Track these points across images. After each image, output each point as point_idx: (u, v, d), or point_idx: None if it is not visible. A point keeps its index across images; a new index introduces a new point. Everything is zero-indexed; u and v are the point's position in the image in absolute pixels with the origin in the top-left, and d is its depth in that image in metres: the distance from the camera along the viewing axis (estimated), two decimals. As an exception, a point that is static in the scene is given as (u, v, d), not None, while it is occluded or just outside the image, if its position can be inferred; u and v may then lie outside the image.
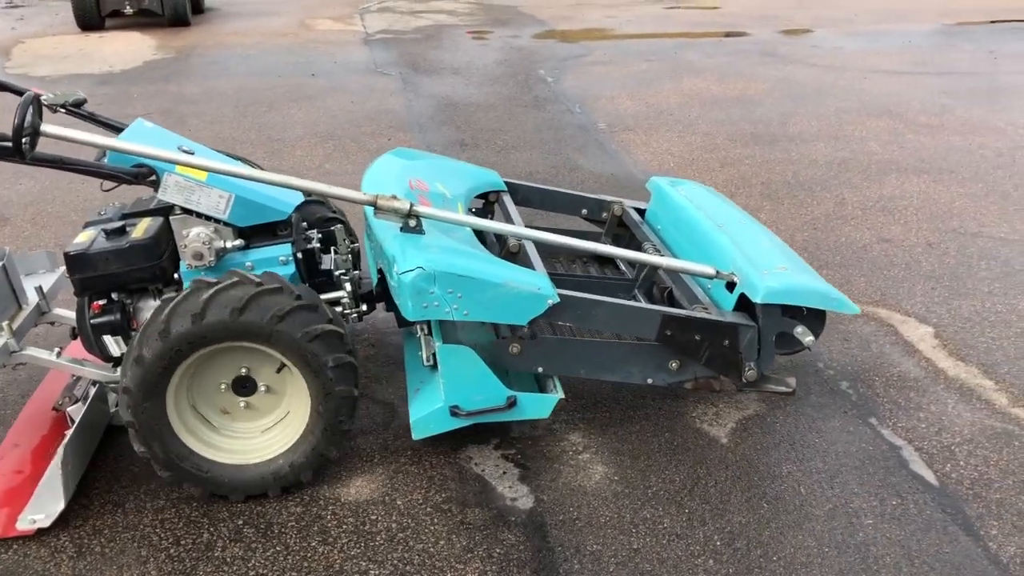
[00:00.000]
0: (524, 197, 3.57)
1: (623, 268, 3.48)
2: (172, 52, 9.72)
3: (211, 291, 2.36)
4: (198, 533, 2.49)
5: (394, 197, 2.53)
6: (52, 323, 3.14)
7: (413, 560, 2.39)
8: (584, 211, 3.65)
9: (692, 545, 2.45)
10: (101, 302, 2.66)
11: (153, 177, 2.54)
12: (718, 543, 2.46)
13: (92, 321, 2.65)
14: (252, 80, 8.00)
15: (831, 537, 2.47)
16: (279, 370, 2.57)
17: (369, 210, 2.76)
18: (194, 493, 2.57)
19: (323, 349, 2.43)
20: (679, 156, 5.92)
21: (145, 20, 11.67)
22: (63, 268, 3.10)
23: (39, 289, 2.99)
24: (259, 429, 2.66)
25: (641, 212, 3.60)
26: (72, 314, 2.94)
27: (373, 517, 2.55)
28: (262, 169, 2.66)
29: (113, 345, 2.67)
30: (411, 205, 2.52)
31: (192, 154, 2.59)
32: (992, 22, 11.24)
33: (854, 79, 8.06)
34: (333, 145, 6.14)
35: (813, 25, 11.16)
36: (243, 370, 2.56)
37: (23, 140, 2.21)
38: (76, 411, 2.76)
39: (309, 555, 2.41)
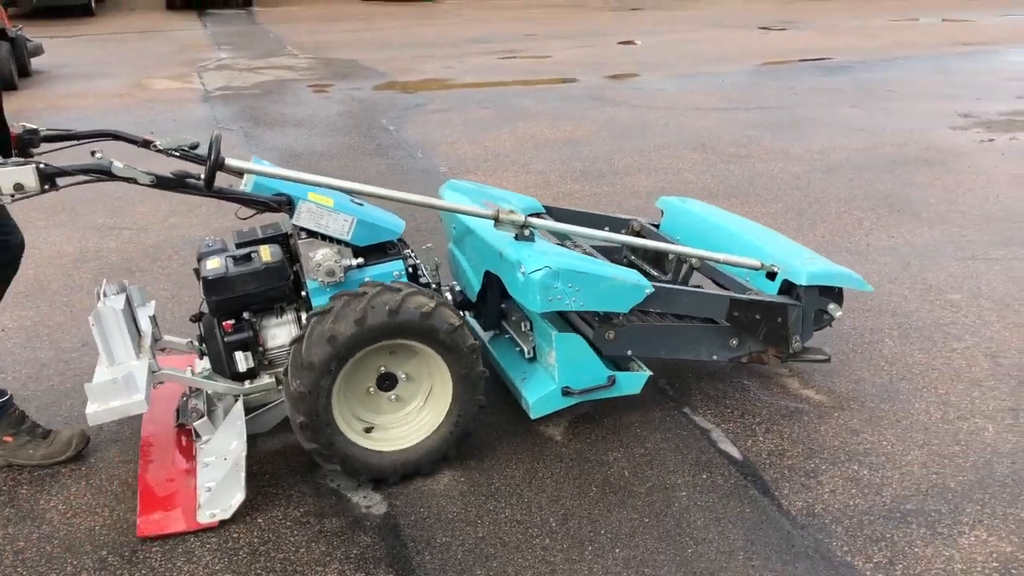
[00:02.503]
0: (557, 217, 3.91)
1: (651, 271, 3.87)
2: (0, 116, 9.44)
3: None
4: (61, 567, 2.58)
5: (512, 211, 2.96)
6: (163, 349, 3.31)
7: (275, 568, 2.56)
8: (607, 228, 3.95)
9: (530, 528, 2.73)
10: (231, 322, 2.95)
11: (289, 204, 2.85)
12: (553, 524, 2.75)
13: (226, 339, 2.95)
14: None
15: (651, 509, 2.81)
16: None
17: (475, 225, 3.28)
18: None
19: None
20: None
21: (-32, 85, 11.27)
22: (153, 302, 3.37)
23: (153, 318, 3.22)
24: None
25: (655, 226, 4.03)
26: (180, 340, 3.33)
27: (235, 535, 2.71)
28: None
29: (242, 361, 2.98)
30: (525, 218, 2.96)
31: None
32: (791, 61, 12.39)
33: (673, 117, 8.77)
34: (178, 200, 6.18)
35: (638, 70, 11.98)
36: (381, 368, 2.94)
37: (214, 174, 2.58)
38: (202, 426, 3.01)
39: (175, 575, 2.54)
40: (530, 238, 3.00)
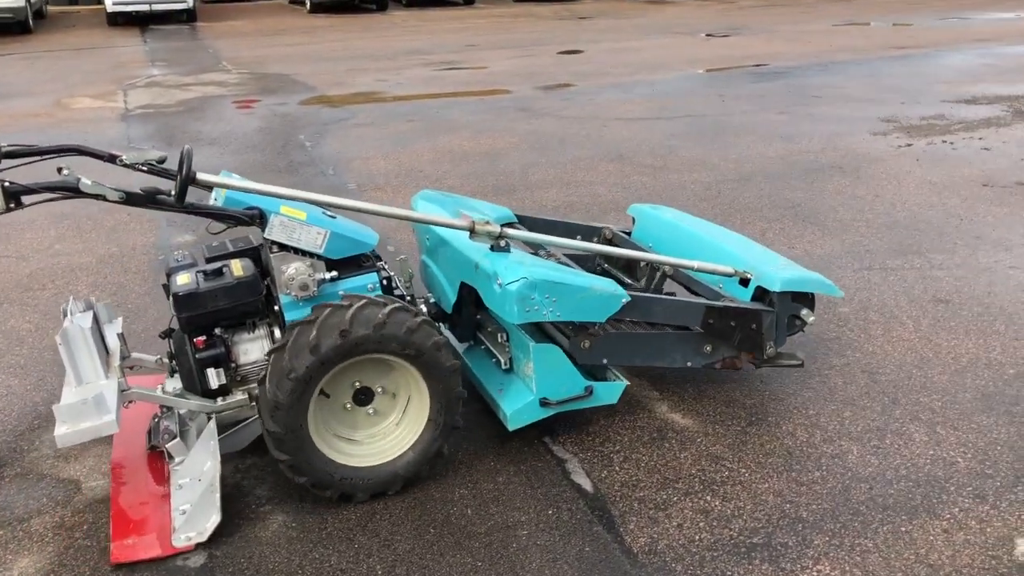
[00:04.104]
0: (530, 226, 3.88)
1: (624, 279, 3.84)
2: (-92, 139, 9.14)
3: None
4: None
5: (487, 222, 2.94)
6: (132, 367, 3.19)
7: (67, 632, 2.38)
8: (578, 236, 3.93)
9: (354, 577, 2.57)
10: (203, 338, 2.88)
11: (261, 218, 2.84)
12: (380, 571, 2.59)
13: (198, 355, 2.88)
14: (-8, 164, 7.63)
15: (487, 552, 2.66)
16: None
17: (449, 236, 3.23)
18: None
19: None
20: (420, 210, 6.16)
21: None
22: (120, 319, 3.28)
23: (121, 336, 3.12)
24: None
25: (627, 234, 3.99)
26: (149, 357, 3.23)
27: (33, 594, 2.52)
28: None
29: (214, 377, 2.91)
30: (501, 228, 2.94)
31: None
32: (727, 68, 12.37)
33: (595, 128, 8.66)
34: (68, 225, 5.99)
35: (573, 80, 11.89)
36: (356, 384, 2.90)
37: (186, 188, 2.54)
38: (175, 447, 2.93)
39: (-46, 643, 2.35)
40: (506, 249, 2.97)
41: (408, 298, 3.18)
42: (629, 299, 3.03)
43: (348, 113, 9.79)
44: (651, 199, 6.21)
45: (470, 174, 7.10)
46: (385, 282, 3.11)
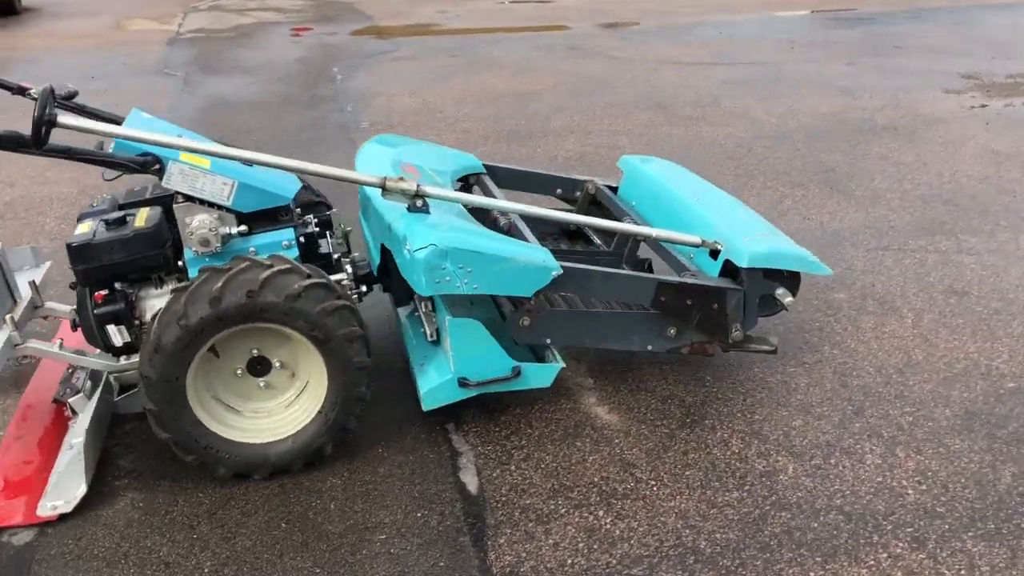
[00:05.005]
0: (501, 179, 3.62)
1: (598, 242, 3.56)
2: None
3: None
4: None
5: (401, 179, 2.63)
6: (45, 317, 3.12)
7: None
8: (558, 190, 3.72)
9: (176, 574, 2.33)
10: (103, 292, 2.68)
11: (158, 166, 2.59)
12: (207, 570, 2.34)
13: (96, 311, 2.68)
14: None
15: (331, 556, 2.38)
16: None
17: (372, 192, 2.85)
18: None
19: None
20: (423, 154, 5.82)
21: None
22: (48, 264, 3.17)
23: (33, 284, 3.01)
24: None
25: (613, 189, 3.66)
26: (65, 307, 3.05)
27: None
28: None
29: (116, 335, 2.71)
30: (417, 186, 2.62)
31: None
32: (814, 11, 11.46)
33: (643, 72, 8.09)
34: (67, 152, 5.87)
35: (640, 18, 11.24)
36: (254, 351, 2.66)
37: (41, 131, 2.26)
38: (77, 402, 2.80)
39: None
40: (423, 209, 2.65)
41: (337, 256, 2.93)
42: (561, 271, 2.67)
43: (393, 46, 9.45)
44: (673, 153, 5.69)
45: (491, 116, 6.70)
46: (303, 239, 2.83)
